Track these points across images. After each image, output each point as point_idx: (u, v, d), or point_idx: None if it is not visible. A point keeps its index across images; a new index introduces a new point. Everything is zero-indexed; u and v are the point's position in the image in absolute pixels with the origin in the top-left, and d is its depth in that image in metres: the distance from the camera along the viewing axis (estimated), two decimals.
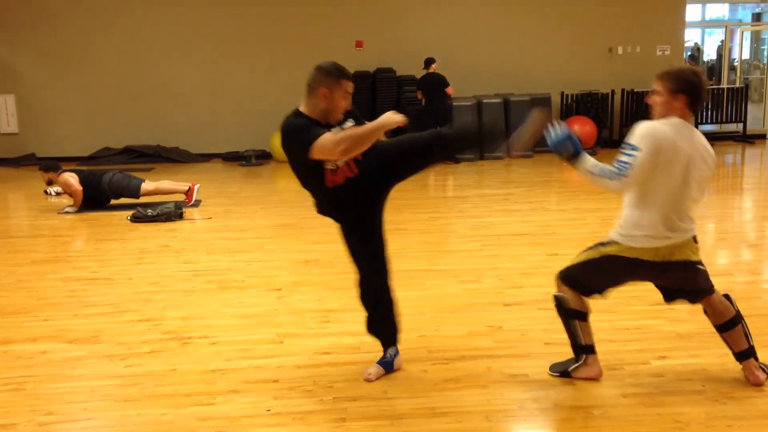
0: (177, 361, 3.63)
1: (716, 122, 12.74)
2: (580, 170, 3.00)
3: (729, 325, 3.17)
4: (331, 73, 3.15)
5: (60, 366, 3.61)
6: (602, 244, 3.11)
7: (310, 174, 3.21)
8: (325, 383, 3.32)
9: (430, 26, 11.91)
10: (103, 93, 11.75)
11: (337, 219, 3.35)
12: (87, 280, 5.11)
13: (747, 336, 3.17)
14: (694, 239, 3.09)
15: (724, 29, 15.06)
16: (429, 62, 10.76)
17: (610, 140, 12.10)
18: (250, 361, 3.60)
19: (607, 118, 11.98)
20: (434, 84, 10.68)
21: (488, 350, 3.64)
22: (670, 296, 3.20)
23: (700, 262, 3.10)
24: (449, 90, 10.67)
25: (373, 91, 11.47)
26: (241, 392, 3.26)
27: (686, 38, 13.53)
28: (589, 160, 2.99)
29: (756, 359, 3.20)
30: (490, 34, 11.86)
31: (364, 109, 11.08)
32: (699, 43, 20.21)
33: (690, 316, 4.09)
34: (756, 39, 20.10)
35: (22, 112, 11.76)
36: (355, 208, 3.28)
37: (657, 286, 3.21)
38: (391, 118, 3.06)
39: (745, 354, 3.18)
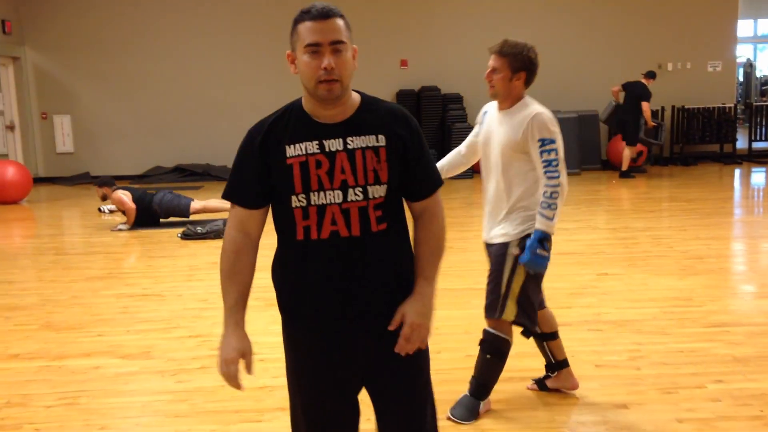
0: None
1: None
2: (554, 226, 2.86)
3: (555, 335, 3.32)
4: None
5: (113, 381, 3.68)
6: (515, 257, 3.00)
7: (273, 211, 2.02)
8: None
9: (474, 44, 11.90)
10: (155, 113, 12.07)
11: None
12: (139, 297, 5.22)
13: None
14: None
15: None
16: (647, 74, 10.53)
17: (660, 157, 11.91)
18: None
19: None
20: (629, 92, 10.41)
21: (537, 372, 3.59)
22: None
23: None
24: (643, 105, 10.19)
25: (418, 109, 11.52)
26: (288, 409, 3.26)
27: (738, 54, 13.26)
28: (547, 222, 2.83)
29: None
30: (538, 51, 11.79)
31: None
32: (751, 58, 19.77)
33: (747, 339, 3.98)
34: None
35: (77, 132, 12.16)
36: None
37: None
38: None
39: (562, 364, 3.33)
